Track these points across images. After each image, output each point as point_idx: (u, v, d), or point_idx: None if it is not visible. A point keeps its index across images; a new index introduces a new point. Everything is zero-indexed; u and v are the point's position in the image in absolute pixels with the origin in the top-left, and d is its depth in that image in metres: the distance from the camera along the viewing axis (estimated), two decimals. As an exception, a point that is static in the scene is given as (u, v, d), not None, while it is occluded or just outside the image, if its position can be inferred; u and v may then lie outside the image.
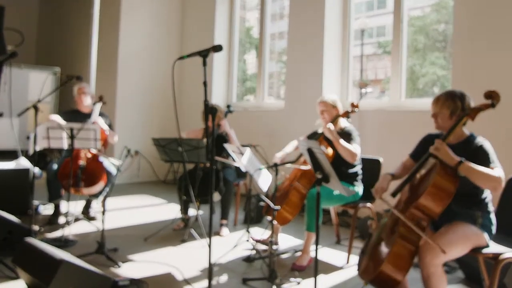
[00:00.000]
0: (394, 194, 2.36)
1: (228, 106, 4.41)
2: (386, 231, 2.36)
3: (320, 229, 2.59)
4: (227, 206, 4.14)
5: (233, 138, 4.20)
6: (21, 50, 3.17)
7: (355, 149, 3.33)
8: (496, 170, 2.18)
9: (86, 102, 4.39)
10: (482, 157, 2.23)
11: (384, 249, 2.24)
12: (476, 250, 2.28)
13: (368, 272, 2.25)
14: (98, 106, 4.25)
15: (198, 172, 3.96)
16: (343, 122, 3.55)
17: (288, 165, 3.36)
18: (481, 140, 2.34)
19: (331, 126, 3.34)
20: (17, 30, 4.41)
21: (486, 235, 2.29)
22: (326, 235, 4.06)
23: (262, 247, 3.62)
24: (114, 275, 2.83)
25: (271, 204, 2.97)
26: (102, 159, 4.17)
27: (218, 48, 2.26)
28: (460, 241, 2.21)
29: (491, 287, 2.22)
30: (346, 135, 3.40)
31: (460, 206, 2.32)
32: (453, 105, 2.36)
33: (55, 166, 4.11)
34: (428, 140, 2.56)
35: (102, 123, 4.23)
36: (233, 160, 3.68)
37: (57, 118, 4.08)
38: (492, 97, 2.25)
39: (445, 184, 2.17)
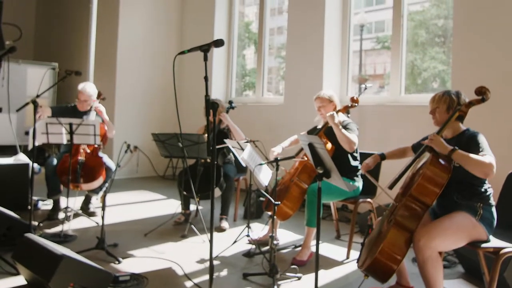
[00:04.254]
0: (391, 187, 2.41)
1: (230, 102, 4.37)
2: (384, 224, 2.38)
3: (320, 224, 2.59)
4: (227, 202, 4.13)
5: (237, 131, 4.15)
6: (19, 46, 3.15)
7: (354, 138, 3.33)
8: (487, 157, 2.22)
9: (83, 108, 4.27)
10: (473, 146, 2.30)
11: (381, 240, 2.26)
12: (476, 244, 2.29)
13: (365, 262, 2.28)
14: (96, 102, 4.24)
15: (198, 167, 3.95)
16: (342, 117, 3.53)
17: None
18: (474, 132, 2.42)
19: (334, 114, 3.32)
20: (15, 25, 4.38)
21: (485, 229, 2.30)
22: (326, 230, 4.06)
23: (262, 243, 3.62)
24: (114, 271, 2.82)
25: (272, 199, 2.97)
26: (101, 154, 4.15)
27: (219, 43, 2.22)
28: (456, 229, 2.23)
29: (492, 282, 2.23)
30: (345, 128, 3.40)
31: (461, 197, 2.37)
32: (449, 99, 2.47)
33: (54, 162, 4.09)
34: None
35: (103, 111, 4.23)
36: (233, 155, 3.66)
37: (48, 111, 4.04)
38: (482, 93, 2.35)
39: (437, 173, 2.25)
